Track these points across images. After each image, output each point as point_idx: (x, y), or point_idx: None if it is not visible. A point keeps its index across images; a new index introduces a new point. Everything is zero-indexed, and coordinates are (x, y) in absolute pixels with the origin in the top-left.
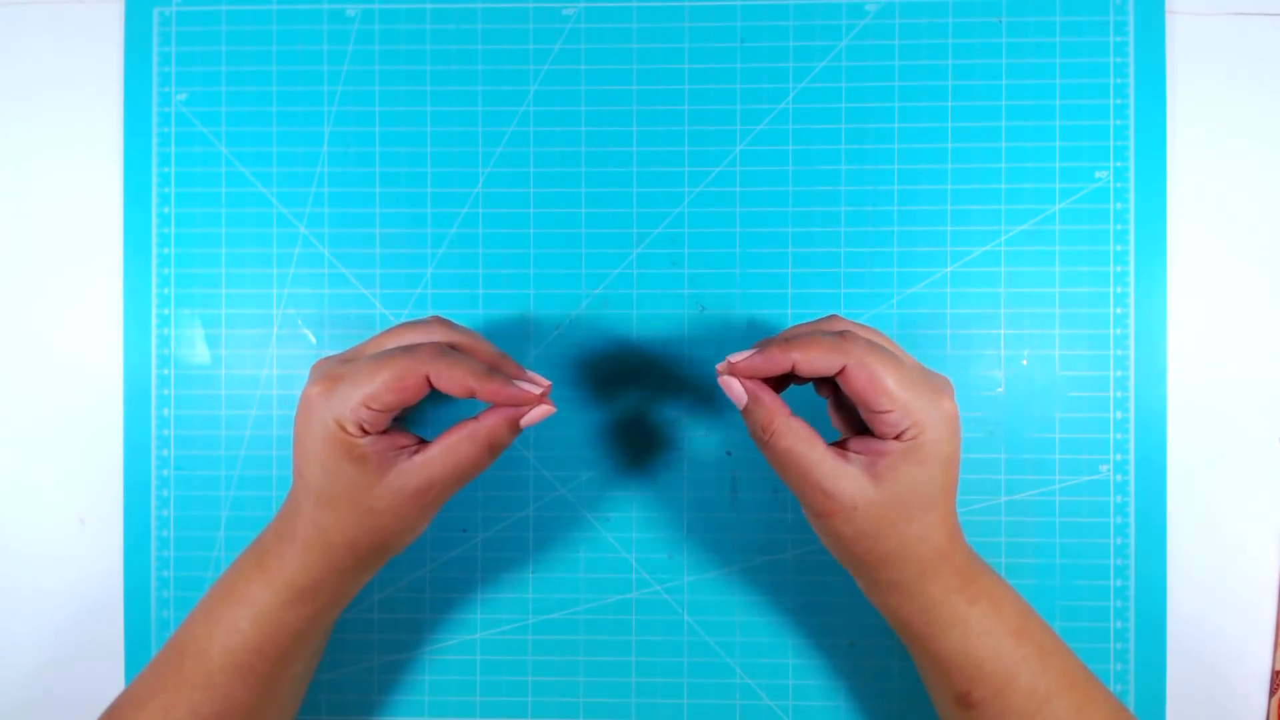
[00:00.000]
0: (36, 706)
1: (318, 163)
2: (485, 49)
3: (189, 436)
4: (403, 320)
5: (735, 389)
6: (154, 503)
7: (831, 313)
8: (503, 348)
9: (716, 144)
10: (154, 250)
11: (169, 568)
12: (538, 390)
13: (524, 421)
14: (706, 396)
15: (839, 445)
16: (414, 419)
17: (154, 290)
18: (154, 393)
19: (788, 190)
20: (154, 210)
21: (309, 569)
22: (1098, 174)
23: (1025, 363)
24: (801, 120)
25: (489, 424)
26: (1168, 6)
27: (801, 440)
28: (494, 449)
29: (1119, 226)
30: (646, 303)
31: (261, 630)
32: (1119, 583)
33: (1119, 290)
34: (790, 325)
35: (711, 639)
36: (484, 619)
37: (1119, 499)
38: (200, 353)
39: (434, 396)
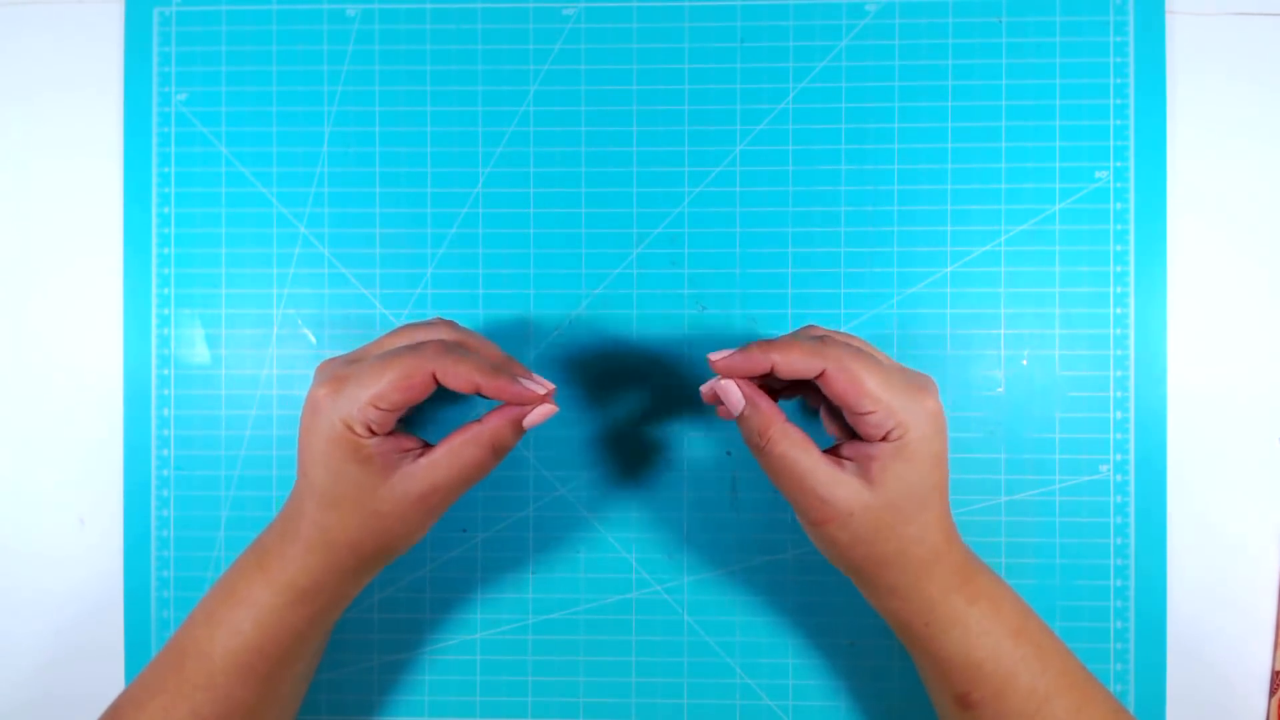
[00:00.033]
0: (36, 706)
1: (318, 163)
2: (485, 49)
3: (189, 436)
4: (405, 322)
5: (732, 394)
6: (154, 503)
7: (809, 323)
8: (503, 348)
9: (716, 144)
10: (154, 250)
11: (169, 568)
12: (541, 391)
13: (527, 422)
14: None
15: (832, 452)
16: (417, 425)
17: (154, 290)
18: (154, 393)
19: (788, 190)
20: (154, 210)
21: (311, 570)
22: (1098, 174)
23: (1025, 363)
24: (801, 120)
25: (493, 426)
26: (1168, 6)
27: (797, 446)
28: (498, 451)
29: (1119, 226)
30: (646, 303)
31: (263, 631)
32: (1119, 583)
33: (1119, 290)
34: (790, 326)
35: (711, 639)
36: (484, 619)
37: (1119, 499)
38: (200, 353)
39: (437, 401)
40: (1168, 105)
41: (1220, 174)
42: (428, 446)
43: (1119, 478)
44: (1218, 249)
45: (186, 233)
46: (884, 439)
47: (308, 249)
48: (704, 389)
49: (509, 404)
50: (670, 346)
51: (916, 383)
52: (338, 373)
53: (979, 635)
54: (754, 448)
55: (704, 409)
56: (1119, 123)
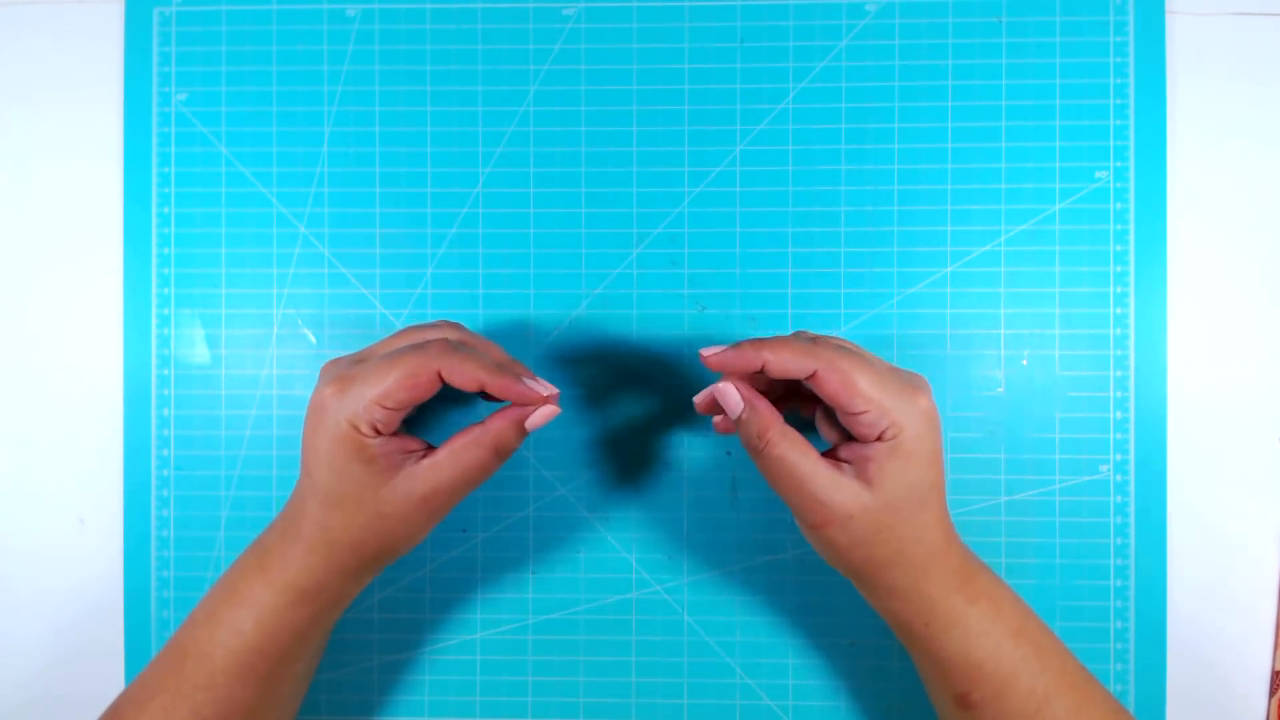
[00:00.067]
0: (37, 707)
1: (318, 163)
2: (485, 49)
3: (189, 436)
4: (408, 324)
5: (731, 397)
6: (154, 503)
7: (804, 327)
8: (503, 348)
9: (716, 144)
10: (154, 250)
11: (169, 568)
12: (545, 392)
13: (529, 424)
14: None
15: (829, 455)
16: (420, 428)
17: (154, 290)
18: (154, 393)
19: (788, 190)
20: (154, 210)
21: (312, 570)
22: (1098, 174)
23: (1025, 363)
24: (801, 120)
25: (495, 427)
26: (1168, 6)
27: (795, 449)
28: (500, 453)
29: (1119, 226)
30: (646, 303)
31: (263, 631)
32: (1119, 583)
33: (1119, 290)
34: (790, 326)
35: (711, 639)
36: (484, 619)
37: (1119, 499)
38: (200, 353)
39: (439, 405)
40: (1168, 105)
41: (1220, 174)
42: (431, 448)
43: (1119, 478)
44: (1218, 249)
45: (186, 233)
46: (879, 439)
47: (308, 249)
48: (699, 398)
49: (512, 405)
50: (670, 346)
51: (909, 382)
52: (343, 373)
53: (979, 635)
54: (752, 450)
55: None
56: (1119, 123)
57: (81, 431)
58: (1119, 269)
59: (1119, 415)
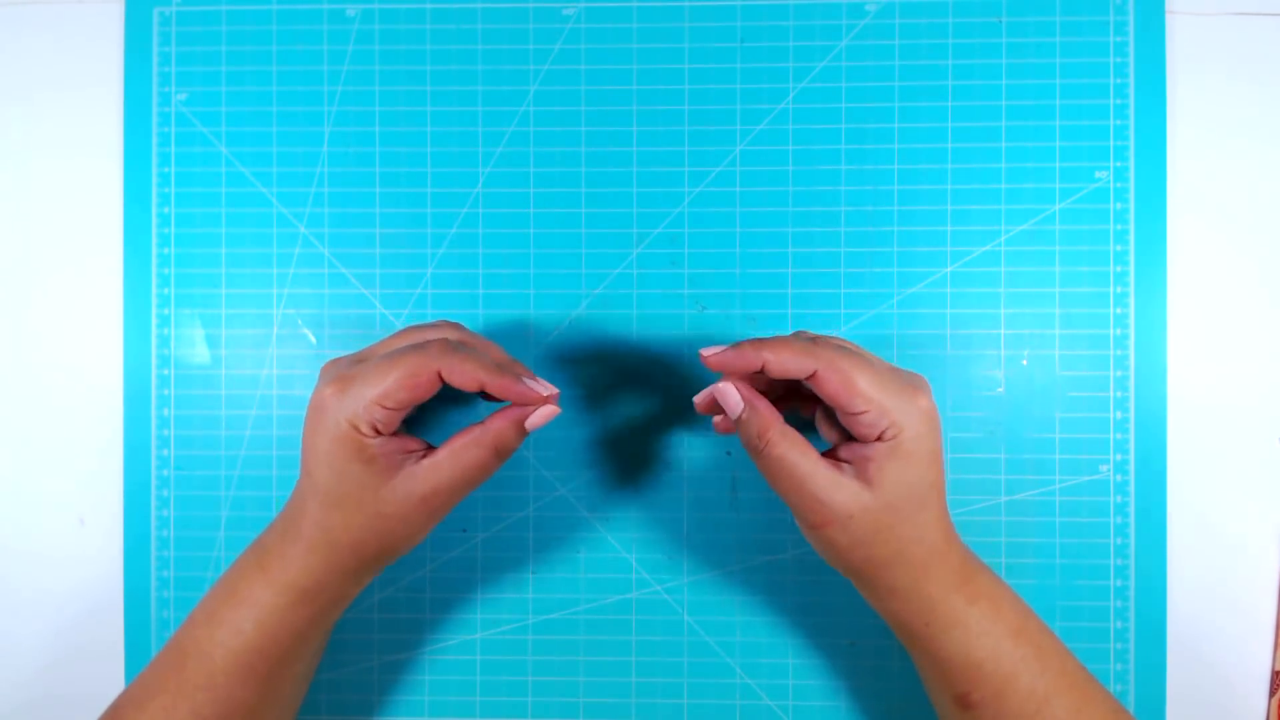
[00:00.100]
0: (37, 707)
1: (318, 163)
2: (485, 49)
3: (189, 436)
4: (408, 324)
5: (731, 397)
6: (154, 503)
7: (804, 327)
8: (503, 348)
9: (716, 144)
10: (154, 250)
11: (169, 568)
12: (545, 392)
13: (529, 423)
14: None
15: (829, 455)
16: (419, 429)
17: (154, 290)
18: (154, 393)
19: (788, 190)
20: (154, 210)
21: (312, 570)
22: (1098, 174)
23: (1025, 363)
24: (801, 120)
25: (495, 427)
26: (1168, 6)
27: (796, 449)
28: (500, 453)
29: (1119, 226)
30: (646, 303)
31: (264, 631)
32: (1119, 583)
33: (1119, 290)
34: (790, 326)
35: (711, 639)
36: (484, 619)
37: (1119, 499)
38: (200, 353)
39: (439, 405)
40: (1168, 105)
41: (1220, 174)
42: (431, 449)
43: (1119, 478)
44: (1218, 249)
45: (186, 233)
46: (878, 439)
47: (308, 249)
48: (699, 399)
49: (511, 405)
50: (670, 346)
51: (908, 382)
52: (343, 372)
53: (979, 635)
54: (752, 450)
55: None
56: (1119, 123)
57: (81, 431)
58: (1119, 269)
59: (1119, 415)
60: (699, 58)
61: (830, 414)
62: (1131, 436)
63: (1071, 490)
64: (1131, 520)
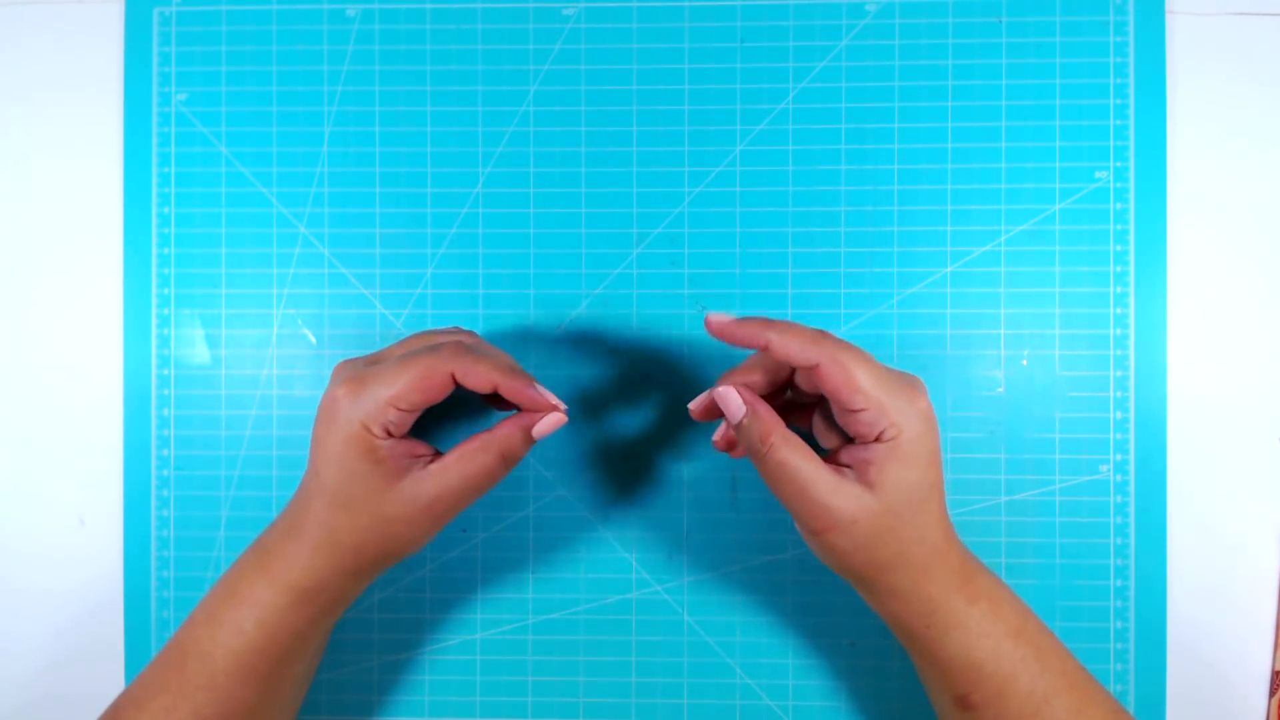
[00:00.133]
0: (37, 707)
1: (318, 163)
2: (485, 49)
3: (189, 436)
4: (420, 329)
5: (732, 401)
6: (154, 503)
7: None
8: (503, 348)
9: (716, 144)
10: (154, 250)
11: (169, 568)
12: (553, 399)
13: (537, 431)
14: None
15: (829, 460)
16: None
17: (154, 290)
18: (154, 393)
19: (788, 190)
20: (154, 210)
21: (315, 570)
22: (1098, 174)
23: (1025, 363)
24: (801, 120)
25: (503, 434)
26: (1168, 6)
27: (798, 454)
28: (507, 460)
29: (1119, 226)
30: (646, 303)
31: (264, 631)
32: (1119, 583)
33: (1119, 290)
34: None
35: (711, 639)
36: (484, 619)
37: (1119, 499)
38: (200, 353)
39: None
40: (1168, 105)
41: (1220, 174)
42: (438, 454)
43: (1119, 478)
44: (1218, 249)
45: (186, 233)
46: (877, 439)
47: (308, 249)
48: (694, 405)
49: (519, 413)
50: (670, 346)
51: (907, 383)
52: (357, 373)
53: (979, 636)
54: (754, 455)
55: None
56: (1119, 123)
57: (81, 431)
58: (1119, 269)
59: (1119, 415)
60: (699, 58)
61: (829, 419)
62: (1131, 436)
63: (1071, 490)
64: (1131, 520)
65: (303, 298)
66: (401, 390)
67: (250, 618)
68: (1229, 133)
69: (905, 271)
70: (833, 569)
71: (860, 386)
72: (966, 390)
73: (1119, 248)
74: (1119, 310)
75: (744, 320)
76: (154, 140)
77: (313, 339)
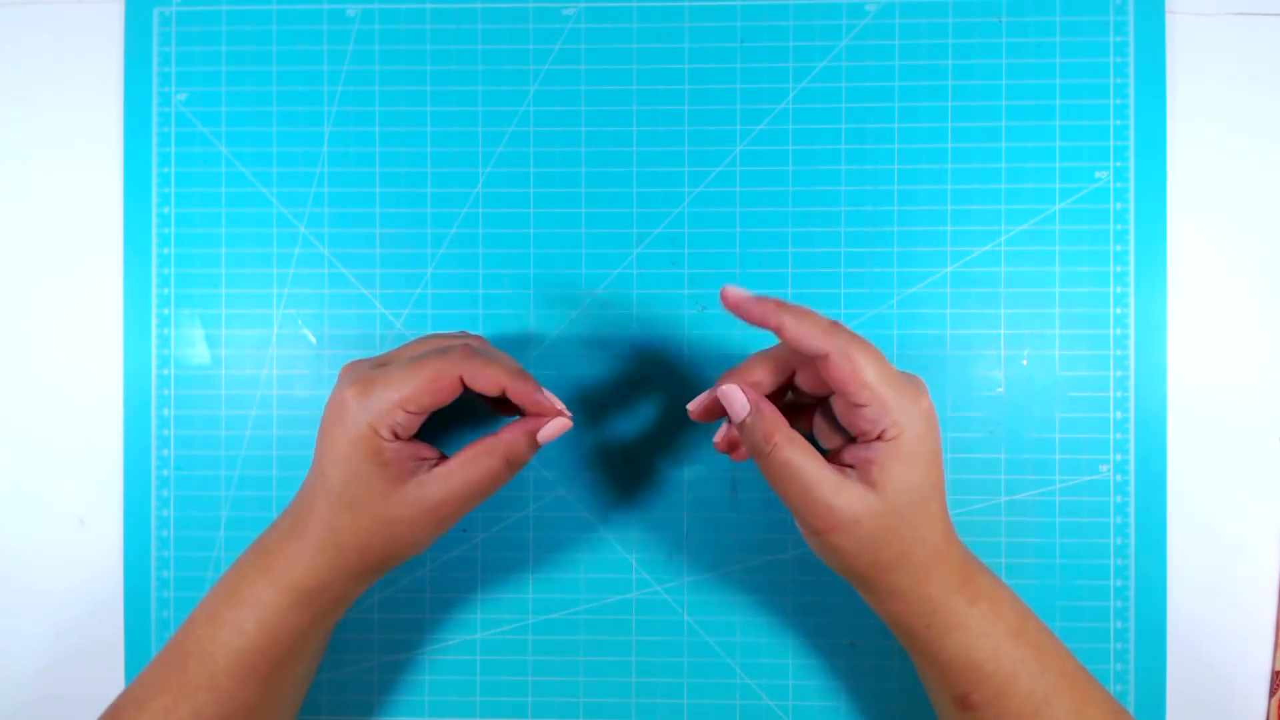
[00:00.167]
0: (37, 707)
1: (318, 163)
2: (485, 49)
3: (189, 436)
4: (428, 332)
5: (736, 399)
6: (154, 503)
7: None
8: (503, 348)
9: (716, 144)
10: (154, 250)
11: (169, 568)
12: (558, 405)
13: (542, 435)
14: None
15: (832, 460)
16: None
17: (154, 290)
18: (154, 393)
19: (788, 190)
20: (154, 210)
21: (317, 571)
22: (1098, 174)
23: (1025, 363)
24: (801, 120)
25: (508, 438)
26: (1168, 6)
27: (802, 453)
28: (511, 464)
29: (1119, 226)
30: (646, 303)
31: (265, 631)
32: (1119, 583)
33: (1119, 290)
34: None
35: (711, 639)
36: (484, 619)
37: (1119, 499)
38: (200, 353)
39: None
40: (1168, 105)
41: (1220, 174)
42: (444, 458)
43: (1119, 478)
44: (1218, 249)
45: (186, 233)
46: (879, 438)
47: (308, 249)
48: (693, 406)
49: (525, 415)
50: (670, 346)
51: (910, 382)
52: (366, 375)
53: (979, 637)
54: (757, 454)
55: None
56: (1119, 123)
57: (81, 431)
58: (1119, 269)
59: (1119, 415)
60: (699, 58)
61: (830, 420)
62: (1131, 436)
63: (1071, 490)
64: (1131, 520)
65: (303, 298)
66: (410, 393)
67: (251, 618)
68: (1229, 133)
69: (905, 271)
70: (834, 569)
71: (866, 381)
72: (966, 390)
73: (1119, 248)
74: (1119, 310)
75: (761, 299)
76: (154, 140)
77: (313, 339)
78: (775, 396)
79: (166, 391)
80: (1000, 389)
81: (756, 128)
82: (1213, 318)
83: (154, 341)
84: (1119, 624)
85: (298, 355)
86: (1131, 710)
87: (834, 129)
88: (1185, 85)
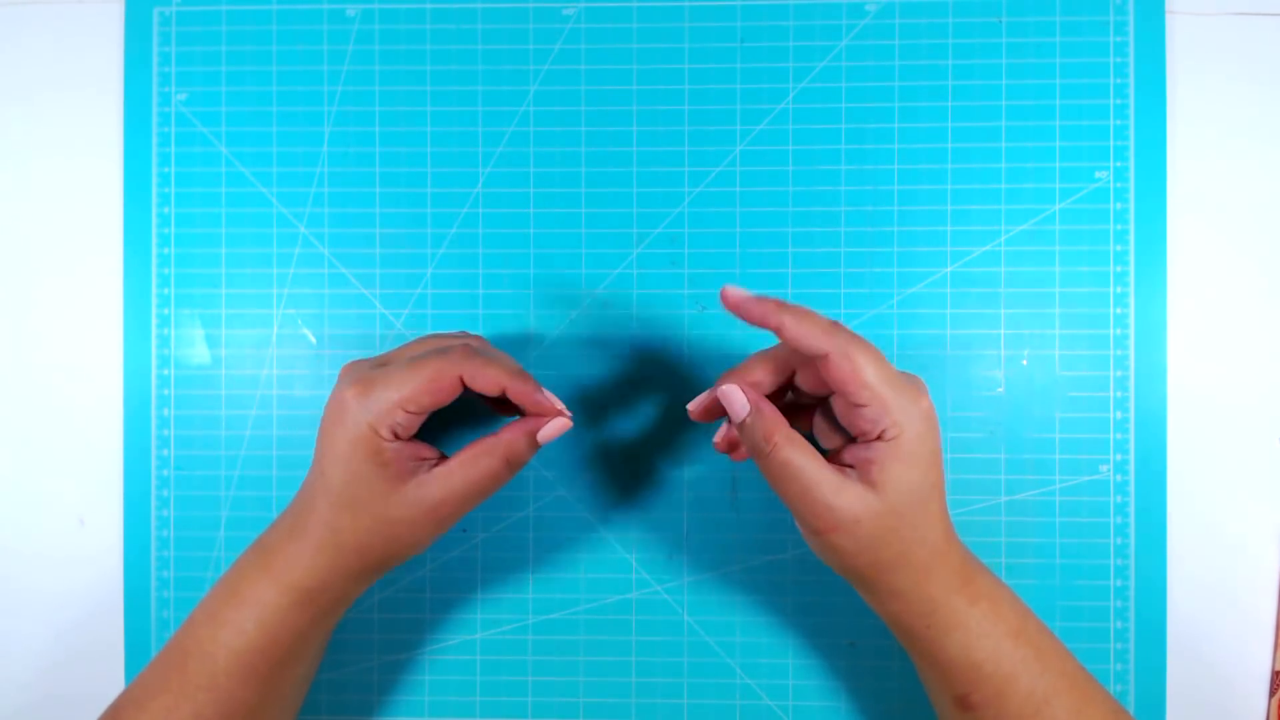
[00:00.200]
0: (37, 707)
1: (318, 163)
2: (485, 49)
3: (189, 436)
4: (428, 333)
5: (736, 399)
6: (154, 503)
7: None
8: (503, 348)
9: (716, 144)
10: (154, 250)
11: (169, 568)
12: (559, 405)
13: (542, 436)
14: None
15: (832, 459)
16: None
17: (154, 290)
18: (154, 393)
19: (788, 190)
20: (154, 210)
21: (317, 571)
22: (1098, 174)
23: (1025, 363)
24: (801, 120)
25: (508, 438)
26: (1168, 6)
27: (803, 453)
28: (511, 464)
29: (1119, 226)
30: (646, 303)
31: (266, 631)
32: (1119, 583)
33: (1119, 290)
34: None
35: (711, 639)
36: (484, 619)
37: (1119, 499)
38: (200, 353)
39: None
40: (1168, 105)
41: (1220, 174)
42: (444, 458)
43: (1119, 478)
44: (1218, 249)
45: (186, 233)
46: (879, 438)
47: (308, 249)
48: (693, 406)
49: (525, 415)
50: (670, 347)
51: (910, 383)
52: (366, 375)
53: (979, 637)
54: (757, 454)
55: None
56: (1119, 123)
57: (81, 431)
58: (1119, 269)
59: (1119, 415)
60: (699, 58)
61: (830, 420)
62: (1131, 436)
63: (1071, 490)
64: (1131, 520)
65: (303, 298)
66: (411, 393)
67: (252, 618)
68: (1229, 133)
69: (905, 271)
70: (834, 569)
71: (866, 381)
72: (966, 390)
73: (1119, 248)
74: (1119, 310)
75: (761, 299)
76: (154, 140)
77: (313, 339)
78: (775, 397)
79: (166, 391)
80: (1000, 389)
81: (756, 128)
82: (1213, 318)
83: (154, 341)
84: (1119, 624)
85: (298, 355)
86: (1131, 710)
87: (834, 129)
88: (1185, 85)
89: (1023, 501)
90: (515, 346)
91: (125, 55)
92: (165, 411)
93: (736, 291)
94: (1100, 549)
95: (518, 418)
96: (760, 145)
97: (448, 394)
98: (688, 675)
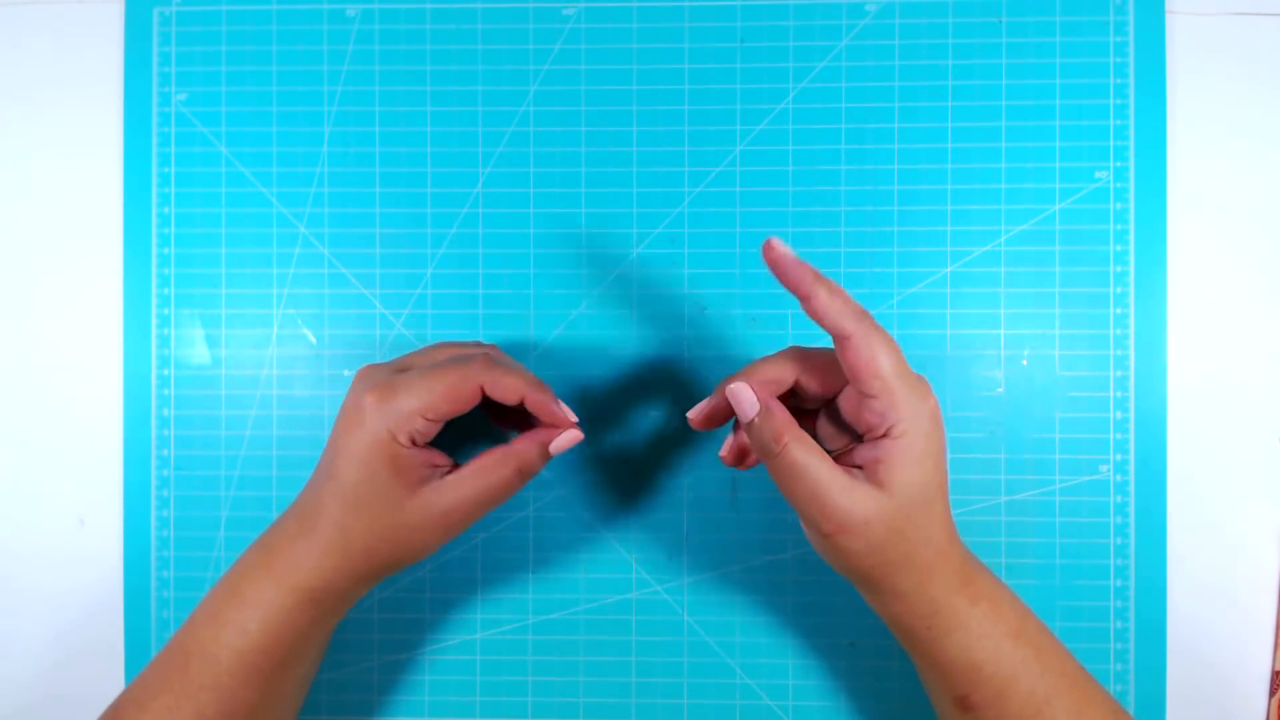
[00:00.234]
0: (36, 707)
1: (318, 163)
2: (485, 49)
3: (189, 436)
4: (444, 340)
5: (745, 398)
6: (154, 503)
7: (799, 329)
8: (503, 348)
9: (716, 144)
10: (154, 250)
11: (169, 568)
12: (572, 418)
13: (554, 447)
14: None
15: (839, 460)
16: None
17: (154, 290)
18: (154, 393)
19: (788, 190)
20: (154, 210)
21: (323, 571)
22: (1098, 174)
23: (1025, 363)
24: (801, 120)
25: (521, 448)
26: (1168, 6)
27: (811, 454)
28: (523, 474)
29: (1119, 226)
30: (646, 303)
31: (268, 631)
32: (1119, 583)
33: (1119, 290)
34: (790, 326)
35: (711, 639)
36: (484, 619)
37: (1119, 499)
38: (200, 353)
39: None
40: (1168, 105)
41: (1220, 174)
42: (456, 465)
43: (1119, 478)
44: (1218, 249)
45: (186, 233)
46: (885, 435)
47: (308, 249)
48: (693, 414)
49: (537, 429)
50: (670, 347)
51: (919, 382)
52: (385, 381)
53: (980, 638)
54: (766, 455)
55: None
56: (1119, 123)
57: (81, 431)
58: (1119, 269)
59: (1119, 415)
60: (699, 58)
61: (835, 421)
62: (1131, 436)
63: (1071, 490)
64: (1131, 520)
65: (303, 298)
66: (431, 400)
67: (255, 618)
68: (1229, 133)
69: (905, 271)
70: (838, 570)
71: (879, 371)
72: (966, 390)
73: (1119, 248)
74: (1119, 310)
75: (802, 262)
76: (154, 140)
77: (313, 339)
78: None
79: (166, 391)
80: (1000, 389)
81: (756, 128)
82: (1213, 318)
83: (154, 341)
84: (1119, 624)
85: (298, 355)
86: (1131, 710)
87: (834, 129)
88: (1185, 85)
89: (1023, 501)
90: (515, 347)
91: (125, 55)
92: (165, 411)
93: (781, 247)
94: (1100, 549)
95: (518, 434)
96: (760, 145)
97: (467, 403)
98: (688, 675)
